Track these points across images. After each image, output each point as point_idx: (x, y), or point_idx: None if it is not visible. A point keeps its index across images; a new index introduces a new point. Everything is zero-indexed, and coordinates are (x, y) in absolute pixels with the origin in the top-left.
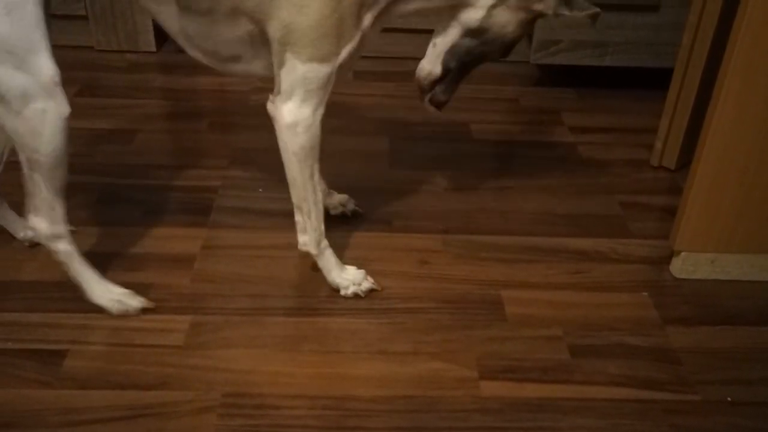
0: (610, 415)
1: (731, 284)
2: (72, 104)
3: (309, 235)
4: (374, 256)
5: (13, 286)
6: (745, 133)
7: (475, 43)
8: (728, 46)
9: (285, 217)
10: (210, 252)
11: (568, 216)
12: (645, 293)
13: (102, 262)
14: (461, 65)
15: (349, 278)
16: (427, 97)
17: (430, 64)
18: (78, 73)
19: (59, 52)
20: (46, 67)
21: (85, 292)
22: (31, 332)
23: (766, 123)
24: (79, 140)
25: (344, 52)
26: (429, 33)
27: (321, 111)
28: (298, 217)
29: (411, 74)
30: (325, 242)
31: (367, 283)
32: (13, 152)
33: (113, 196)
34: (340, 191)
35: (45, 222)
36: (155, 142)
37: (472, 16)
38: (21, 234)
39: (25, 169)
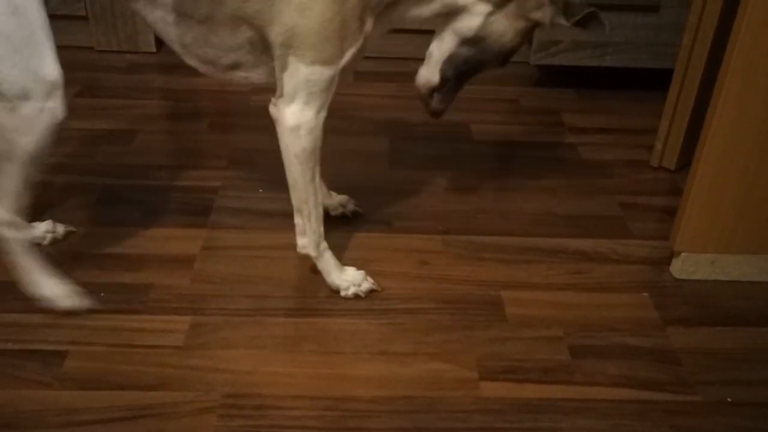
0: (611, 415)
1: (731, 285)
2: (72, 104)
3: (308, 237)
4: (374, 257)
5: (13, 286)
6: (745, 134)
7: (472, 52)
8: (728, 46)
9: (285, 218)
10: (210, 252)
11: (568, 216)
12: (645, 294)
13: (102, 262)
14: (459, 74)
15: (348, 279)
16: (427, 105)
17: (428, 73)
18: (78, 73)
19: (59, 52)
20: (50, 68)
21: (29, 284)
22: (31, 332)
23: (766, 123)
24: (79, 140)
25: (347, 55)
26: (429, 33)
27: (323, 114)
28: (297, 220)
29: (411, 75)
30: (324, 244)
31: (367, 284)
32: None
33: (113, 197)
34: (340, 191)
35: (2, 209)
36: (155, 142)
37: (469, 24)
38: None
39: None
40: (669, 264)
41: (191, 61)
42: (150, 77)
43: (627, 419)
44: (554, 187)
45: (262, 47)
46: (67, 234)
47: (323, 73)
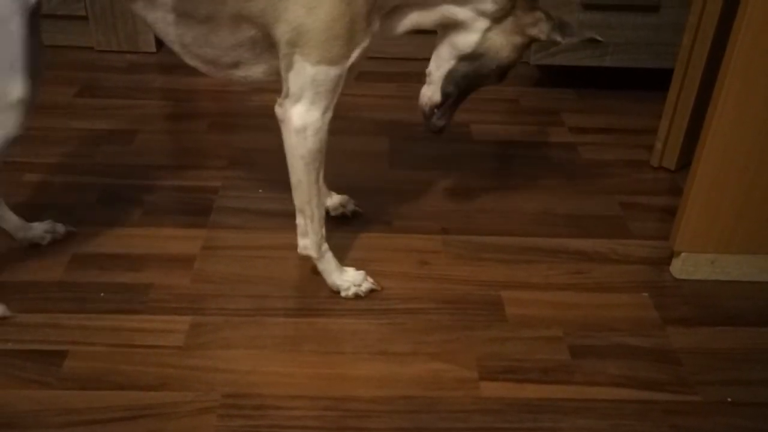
0: (611, 415)
1: (731, 285)
2: (72, 104)
3: (310, 238)
4: (374, 257)
5: (13, 286)
6: (745, 133)
7: (471, 68)
8: (728, 46)
9: (285, 218)
10: (210, 252)
11: (568, 216)
12: (645, 294)
13: (102, 262)
14: (458, 90)
15: (349, 280)
16: (429, 123)
17: (430, 92)
18: (78, 73)
19: (59, 52)
20: (16, 86)
21: None
22: (31, 332)
23: (766, 123)
24: (79, 140)
25: (354, 55)
26: (430, 34)
27: (329, 114)
28: (299, 220)
29: (411, 75)
30: (325, 245)
31: (367, 284)
32: (12, 153)
33: (113, 196)
34: (340, 191)
35: None
36: (155, 142)
37: (467, 40)
38: (20, 234)
39: None
40: (669, 264)
41: (191, 61)
42: (150, 77)
43: (627, 419)
44: (554, 187)
45: (265, 46)
46: (67, 234)
47: (330, 73)
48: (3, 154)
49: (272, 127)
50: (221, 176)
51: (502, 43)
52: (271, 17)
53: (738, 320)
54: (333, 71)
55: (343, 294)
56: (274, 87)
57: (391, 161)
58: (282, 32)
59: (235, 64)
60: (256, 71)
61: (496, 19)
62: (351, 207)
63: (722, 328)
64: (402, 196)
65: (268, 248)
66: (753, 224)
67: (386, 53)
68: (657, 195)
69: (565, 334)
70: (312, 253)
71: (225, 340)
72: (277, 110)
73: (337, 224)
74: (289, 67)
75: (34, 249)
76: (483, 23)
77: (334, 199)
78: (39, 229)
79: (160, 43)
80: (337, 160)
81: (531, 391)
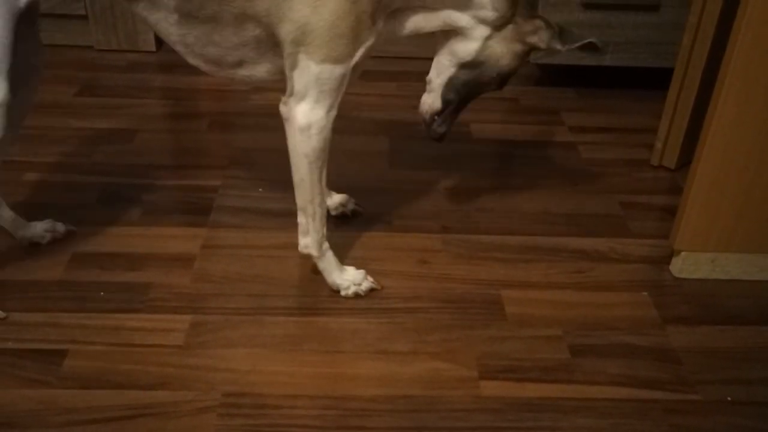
0: (610, 414)
1: (731, 284)
2: (72, 104)
3: (311, 237)
4: (374, 256)
5: (13, 286)
6: (745, 133)
7: (471, 76)
8: (728, 46)
9: (285, 217)
10: (210, 252)
11: (568, 215)
12: (645, 293)
13: (102, 261)
14: (459, 97)
15: (349, 279)
16: (430, 130)
17: (431, 99)
18: (78, 72)
19: (59, 51)
20: None
21: None
22: (31, 331)
23: (766, 123)
24: (79, 140)
25: (359, 53)
26: (430, 34)
27: (334, 113)
28: (301, 219)
29: (412, 74)
30: (326, 244)
31: (368, 283)
32: (12, 153)
33: (113, 196)
34: (340, 191)
35: None
36: (155, 142)
37: (468, 48)
38: (20, 233)
39: None
40: (669, 263)
41: (194, 61)
42: (150, 76)
43: (627, 418)
44: (554, 187)
45: (269, 45)
46: (67, 233)
47: (334, 71)
48: None
49: (272, 126)
50: (221, 175)
51: (502, 51)
52: (276, 16)
53: (738, 319)
54: (337, 70)
55: (343, 293)
56: (275, 86)
57: (391, 161)
58: (287, 31)
59: (239, 63)
60: (259, 70)
61: (497, 27)
62: (351, 206)
63: (722, 327)
64: (402, 195)
65: (268, 247)
66: (753, 223)
67: (387, 52)
68: (657, 194)
69: (564, 333)
70: (313, 252)
71: (225, 340)
72: (282, 108)
73: (337, 223)
74: (294, 65)
75: (34, 248)
76: (483, 31)
77: (334, 199)
78: (39, 228)
79: (160, 42)
80: (337, 160)
81: (531, 390)
